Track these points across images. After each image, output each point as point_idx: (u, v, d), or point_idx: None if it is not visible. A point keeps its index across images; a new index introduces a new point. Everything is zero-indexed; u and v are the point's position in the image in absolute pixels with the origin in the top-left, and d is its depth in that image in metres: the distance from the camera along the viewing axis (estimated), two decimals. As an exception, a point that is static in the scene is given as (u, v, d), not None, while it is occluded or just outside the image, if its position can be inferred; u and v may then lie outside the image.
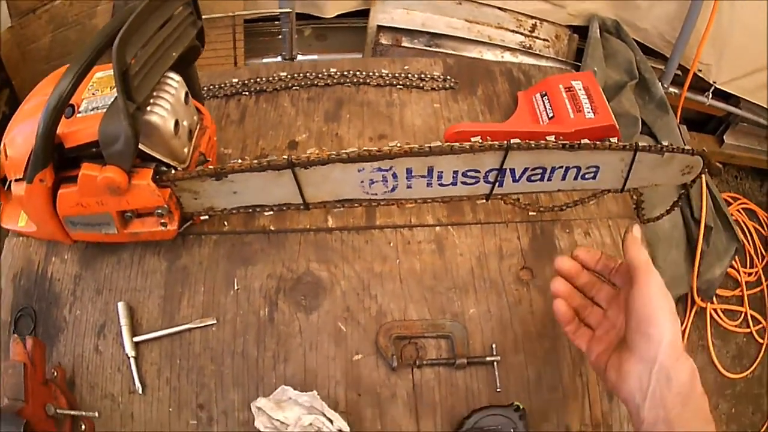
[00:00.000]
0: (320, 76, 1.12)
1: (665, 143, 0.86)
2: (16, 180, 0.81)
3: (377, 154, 0.78)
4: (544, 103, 1.08)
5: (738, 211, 2.28)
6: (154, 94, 0.79)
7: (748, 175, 2.47)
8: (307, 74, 1.12)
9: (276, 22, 1.69)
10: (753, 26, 1.82)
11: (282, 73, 1.12)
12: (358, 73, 1.12)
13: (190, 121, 0.86)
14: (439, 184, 0.85)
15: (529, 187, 0.88)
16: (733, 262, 2.10)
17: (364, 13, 1.79)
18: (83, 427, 0.83)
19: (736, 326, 2.10)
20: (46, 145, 0.75)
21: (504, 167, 0.83)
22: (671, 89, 1.95)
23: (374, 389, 0.83)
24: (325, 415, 0.77)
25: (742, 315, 2.13)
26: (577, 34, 1.92)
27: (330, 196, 0.85)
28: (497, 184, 0.86)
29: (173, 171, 0.82)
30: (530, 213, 0.96)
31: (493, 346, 0.85)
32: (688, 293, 1.95)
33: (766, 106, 2.09)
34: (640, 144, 0.84)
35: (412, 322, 0.86)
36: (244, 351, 0.86)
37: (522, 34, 1.80)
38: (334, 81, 1.11)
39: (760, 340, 2.10)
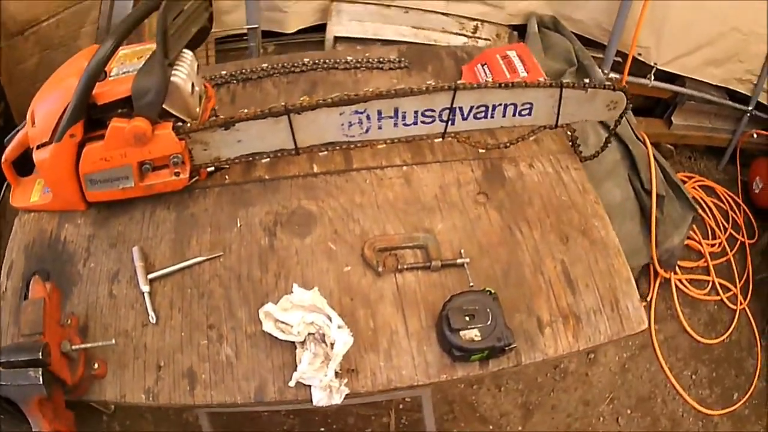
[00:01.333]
0: (295, 65, 1.45)
1: (587, 80, 1.18)
2: (40, 147, 1.07)
3: (354, 98, 1.09)
4: (484, 70, 1.43)
5: (694, 188, 2.60)
6: (175, 62, 1.09)
7: (702, 155, 2.81)
8: (285, 64, 1.45)
9: (244, 38, 2.03)
10: (690, 4, 2.14)
11: (263, 65, 1.45)
12: (327, 60, 1.46)
13: (200, 88, 1.16)
14: (404, 124, 1.17)
15: (476, 124, 1.20)
16: (694, 235, 2.42)
17: (321, 29, 2.14)
18: (96, 366, 0.98)
19: (704, 294, 2.39)
20: (82, 101, 1.03)
21: (454, 106, 1.15)
22: (612, 75, 2.29)
23: (364, 293, 1.09)
24: (324, 313, 1.01)
25: (710, 284, 2.42)
26: (517, 32, 2.27)
27: (317, 139, 1.16)
28: (450, 122, 1.18)
29: (188, 124, 1.10)
30: (480, 150, 1.27)
31: (461, 251, 1.13)
32: (650, 264, 2.23)
33: (712, 83, 2.42)
34: (564, 81, 1.16)
35: (391, 236, 1.15)
36: (249, 274, 1.11)
37: (465, 35, 2.18)
38: (308, 68, 1.45)
39: (733, 306, 2.39)
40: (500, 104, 1.17)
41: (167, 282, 1.10)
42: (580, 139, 1.31)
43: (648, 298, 2.31)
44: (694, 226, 2.29)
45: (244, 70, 1.43)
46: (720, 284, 2.43)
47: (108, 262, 1.12)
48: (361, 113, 1.13)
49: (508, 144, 1.26)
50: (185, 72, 1.09)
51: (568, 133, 1.30)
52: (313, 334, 1.00)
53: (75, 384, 0.94)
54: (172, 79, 1.07)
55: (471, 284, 1.10)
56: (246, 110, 1.10)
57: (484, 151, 1.27)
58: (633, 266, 2.17)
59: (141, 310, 1.06)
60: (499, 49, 1.45)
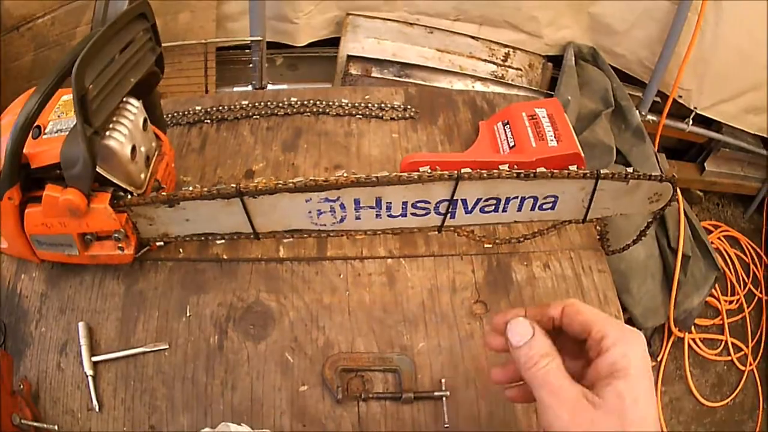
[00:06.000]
0: (280, 105, 1.13)
1: (629, 170, 0.86)
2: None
3: (324, 184, 0.78)
4: (505, 131, 1.08)
5: (719, 239, 2.28)
6: (113, 119, 0.81)
7: (730, 202, 2.47)
8: (268, 103, 1.14)
9: (247, 51, 1.71)
10: (737, 48, 1.81)
11: (244, 102, 1.14)
12: (318, 102, 1.14)
13: (147, 147, 0.88)
14: (389, 216, 0.85)
15: (483, 218, 0.88)
16: (713, 291, 2.09)
17: (335, 42, 1.80)
18: None
19: (715, 355, 2.09)
20: (12, 164, 0.78)
21: (455, 198, 0.84)
22: (649, 117, 1.95)
23: (319, 420, 0.83)
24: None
25: (723, 343, 2.12)
26: (553, 62, 1.93)
27: (279, 226, 0.86)
28: (449, 215, 0.86)
29: (129, 196, 0.84)
30: (486, 245, 0.97)
31: (442, 381, 0.85)
32: (665, 324, 1.94)
33: (750, 131, 2.09)
34: (601, 171, 0.84)
35: (359, 354, 0.86)
36: (194, 377, 0.86)
37: (494, 63, 1.82)
38: (294, 110, 1.13)
39: (742, 368, 2.09)
40: (516, 197, 0.85)
41: (111, 368, 0.88)
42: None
43: (658, 358, 2.00)
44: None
45: (221, 107, 1.13)
46: (732, 344, 2.12)
47: (57, 330, 0.91)
48: (333, 201, 0.82)
49: (521, 239, 0.96)
50: (124, 132, 0.81)
51: (597, 227, 1.00)
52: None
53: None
54: (106, 142, 0.79)
55: (446, 424, 0.82)
56: (191, 188, 0.81)
57: (491, 246, 0.97)
58: (648, 327, 1.89)
59: (86, 392, 0.86)
60: (526, 105, 1.10)
